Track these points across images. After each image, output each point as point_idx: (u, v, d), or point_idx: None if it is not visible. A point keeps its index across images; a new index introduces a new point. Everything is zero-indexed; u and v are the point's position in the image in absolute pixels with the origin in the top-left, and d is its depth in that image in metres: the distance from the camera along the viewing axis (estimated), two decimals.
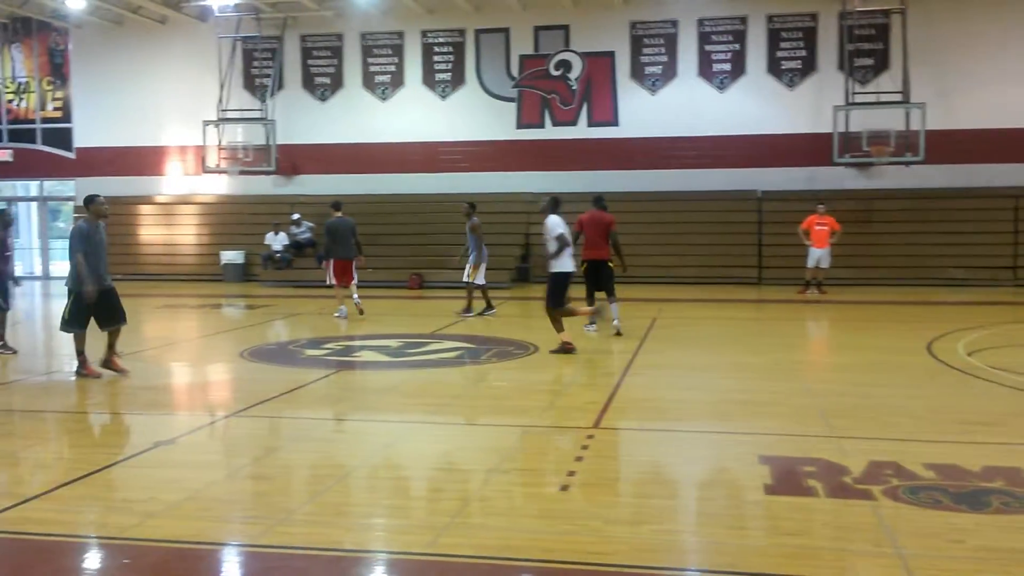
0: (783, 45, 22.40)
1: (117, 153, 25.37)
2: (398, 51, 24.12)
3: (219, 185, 25.06)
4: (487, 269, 15.37)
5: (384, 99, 24.24)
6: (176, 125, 25.02)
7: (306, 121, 24.47)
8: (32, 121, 26.22)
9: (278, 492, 5.57)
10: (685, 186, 22.52)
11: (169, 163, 25.44)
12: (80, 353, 9.44)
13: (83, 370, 9.40)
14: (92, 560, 4.58)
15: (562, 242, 10.72)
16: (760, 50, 22.46)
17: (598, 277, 12.68)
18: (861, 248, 20.80)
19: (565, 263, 10.84)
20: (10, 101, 26.33)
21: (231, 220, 24.72)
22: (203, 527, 4.86)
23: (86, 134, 25.81)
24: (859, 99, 21.43)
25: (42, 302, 19.98)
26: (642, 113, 23.00)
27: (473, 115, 23.79)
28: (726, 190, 22.32)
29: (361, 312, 14.64)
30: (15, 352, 11.29)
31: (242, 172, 24.10)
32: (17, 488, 5.65)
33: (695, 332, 13.83)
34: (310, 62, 24.56)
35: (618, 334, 12.32)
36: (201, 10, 23.94)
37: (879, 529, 4.73)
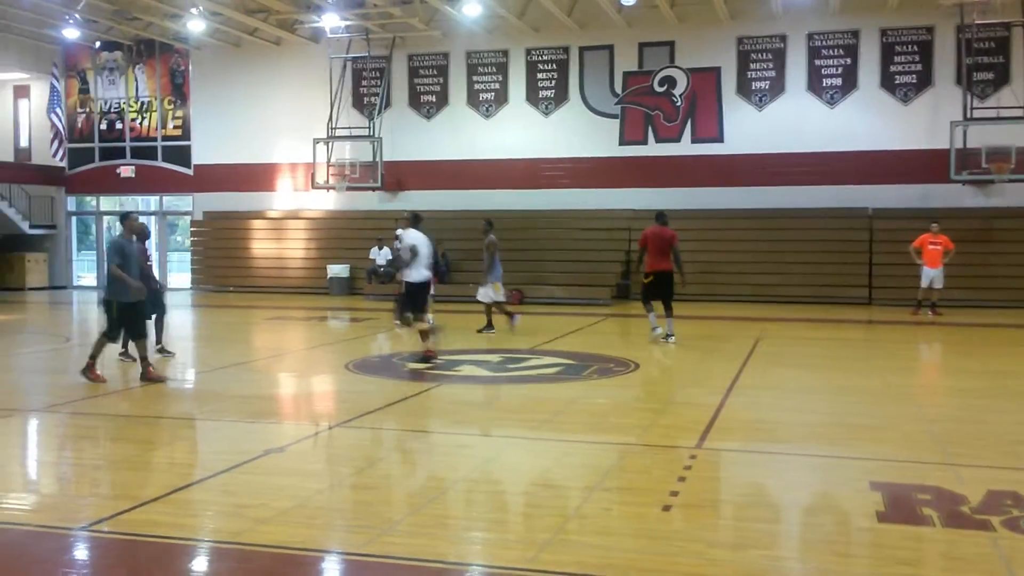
0: (897, 59, 21.74)
1: (231, 170, 26.35)
2: (502, 69, 24.38)
3: (327, 201, 25.74)
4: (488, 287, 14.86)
5: (488, 116, 24.52)
6: (287, 142, 25.84)
7: (412, 138, 24.94)
8: (153, 139, 27.49)
9: (381, 502, 5.67)
10: (792, 203, 22.05)
11: (280, 179, 26.27)
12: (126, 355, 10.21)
13: (89, 373, 9.74)
14: (206, 563, 4.75)
15: (414, 254, 11.49)
16: (873, 64, 21.86)
17: (660, 289, 13.40)
18: (979, 268, 20.00)
19: (416, 274, 11.61)
20: (133, 120, 27.65)
21: (337, 235, 25.36)
22: (311, 534, 4.97)
23: (203, 151, 26.90)
24: (978, 114, 20.62)
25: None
26: (748, 129, 22.64)
27: (576, 132, 23.84)
28: (835, 207, 21.75)
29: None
30: (173, 354, 11.88)
31: (349, 188, 24.71)
32: (136, 491, 5.89)
33: (801, 352, 13.50)
34: (416, 80, 25.04)
35: (667, 337, 13.23)
36: (314, 32, 24.72)
37: (996, 561, 4.52)
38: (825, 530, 5.16)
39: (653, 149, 23.34)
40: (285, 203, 26.27)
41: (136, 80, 27.52)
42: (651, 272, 13.37)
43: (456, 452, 7.09)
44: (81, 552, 4.88)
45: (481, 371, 11.13)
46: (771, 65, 22.54)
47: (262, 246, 26.01)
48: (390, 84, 25.07)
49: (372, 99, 25.02)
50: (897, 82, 21.74)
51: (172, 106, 27.28)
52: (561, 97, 23.96)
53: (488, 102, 24.50)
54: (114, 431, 7.99)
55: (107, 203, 29.10)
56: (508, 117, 24.37)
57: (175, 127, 27.29)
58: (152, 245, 28.74)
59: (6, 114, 29.17)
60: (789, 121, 22.33)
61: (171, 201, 28.36)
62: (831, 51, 22.17)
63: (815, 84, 22.25)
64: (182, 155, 27.21)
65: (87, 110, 28.02)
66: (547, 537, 4.87)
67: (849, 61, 22.03)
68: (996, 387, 9.98)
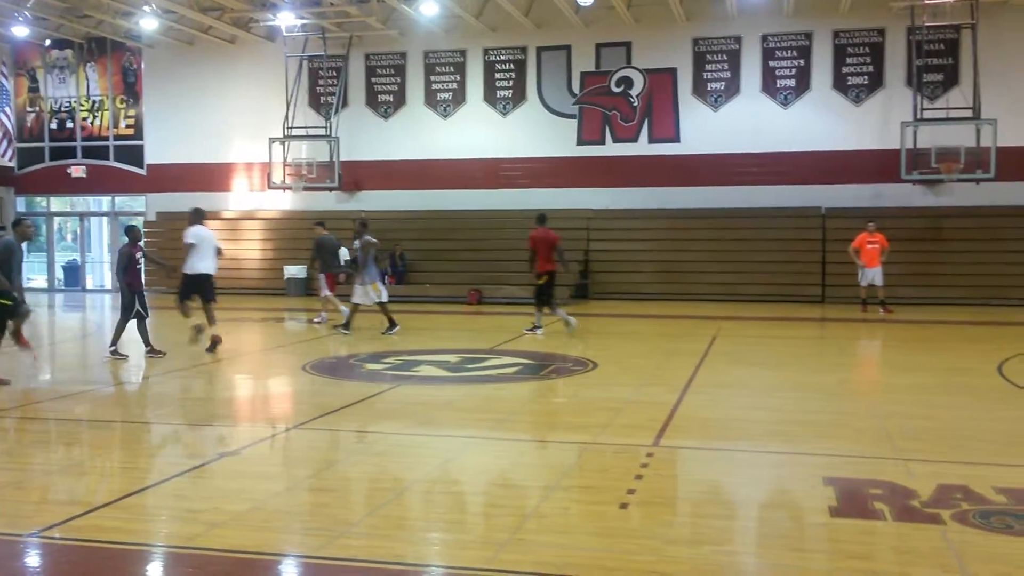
0: (849, 61, 22.07)
1: (186, 169, 26.00)
2: (460, 69, 24.34)
3: (283, 201, 25.51)
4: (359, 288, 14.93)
5: (446, 116, 24.47)
6: (243, 142, 25.57)
7: (369, 138, 24.81)
8: (105, 138, 27.03)
9: (339, 504, 5.63)
10: (748, 202, 22.30)
11: (236, 179, 25.98)
12: None
13: None
14: (158, 569, 4.68)
15: (191, 249, 12.37)
16: (826, 66, 22.16)
17: (551, 288, 14.59)
18: (929, 267, 20.38)
19: (193, 266, 12.43)
20: (84, 119, 27.18)
21: (294, 235, 25.10)
22: (267, 538, 4.93)
23: (157, 151, 26.51)
24: (928, 115, 21.00)
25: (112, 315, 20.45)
26: (704, 129, 22.84)
27: (534, 132, 23.88)
28: (790, 207, 22.03)
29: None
30: (164, 354, 11.93)
31: (306, 188, 24.50)
32: (87, 496, 5.80)
33: (757, 350, 13.65)
34: (374, 80, 24.92)
35: (534, 328, 14.34)
36: (269, 30, 24.49)
37: (947, 554, 4.61)
38: (780, 525, 5.23)
39: (611, 149, 23.46)
40: (241, 203, 25.98)
41: (87, 78, 27.05)
42: (544, 272, 14.40)
43: (414, 453, 7.07)
44: (32, 559, 4.78)
45: (439, 371, 11.11)
46: (726, 66, 22.76)
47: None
48: (347, 83, 24.91)
49: (329, 98, 24.85)
50: (849, 83, 22.06)
51: (124, 105, 26.85)
52: (519, 97, 23.99)
53: (446, 102, 24.45)
54: (65, 436, 7.85)
55: (58, 203, 28.60)
56: (466, 117, 24.34)
57: (127, 126, 26.86)
58: (104, 247, 28.35)
59: None
60: (744, 122, 22.56)
61: (124, 201, 27.91)
62: (785, 52, 22.44)
63: (769, 85, 22.51)
64: (135, 155, 26.79)
65: (37, 109, 27.48)
66: (505, 537, 4.87)
67: (802, 62, 22.32)
68: (946, 383, 10.18)
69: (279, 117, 24.66)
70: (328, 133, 24.59)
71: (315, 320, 16.93)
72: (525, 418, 8.44)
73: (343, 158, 24.47)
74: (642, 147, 23.27)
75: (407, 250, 23.25)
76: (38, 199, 28.48)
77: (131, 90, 26.76)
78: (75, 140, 27.25)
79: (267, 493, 5.74)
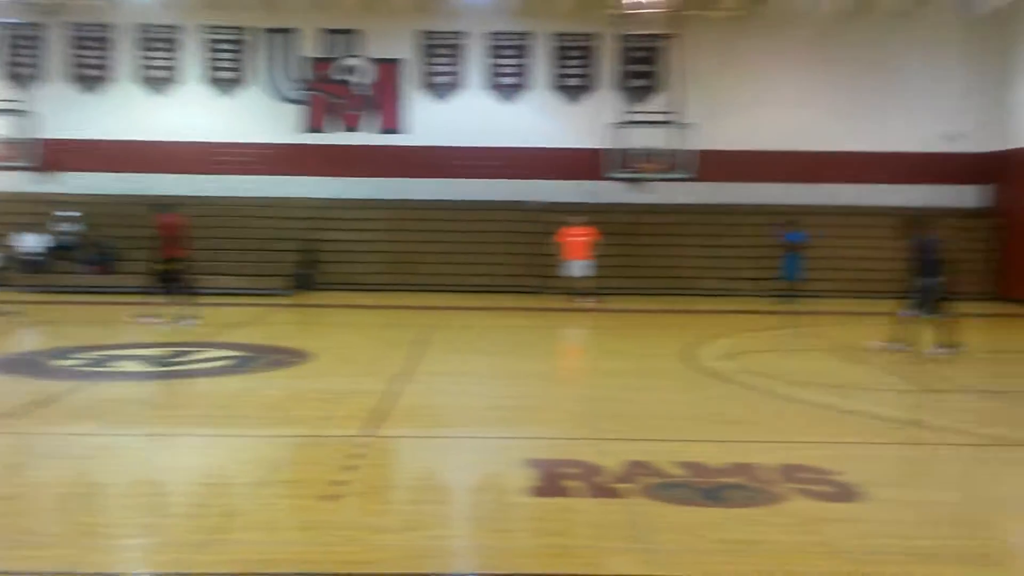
0: (566, 63, 23.22)
1: None
2: (176, 46, 23.01)
3: None
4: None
5: (160, 95, 23.05)
6: None
7: (72, 115, 22.81)
8: None
9: (22, 513, 5.16)
10: (473, 195, 22.87)
11: None
12: None
13: None
14: None
15: None
16: (545, 66, 23.17)
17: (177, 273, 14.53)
18: (632, 259, 21.89)
19: None
20: None
21: None
22: None
23: None
24: (634, 118, 22.55)
25: None
26: (430, 122, 23.12)
27: (256, 117, 23.08)
28: (512, 200, 22.85)
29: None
30: None
31: None
32: None
33: (477, 340, 14.03)
34: (78, 53, 22.96)
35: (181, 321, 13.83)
36: None
37: (633, 526, 4.97)
38: (486, 508, 5.43)
39: (338, 138, 23.18)
40: None
41: None
42: (169, 258, 14.40)
43: (109, 454, 6.59)
44: None
45: (143, 366, 10.45)
46: (453, 60, 23.19)
47: None
48: (47, 55, 22.78)
49: (27, 70, 22.61)
50: (566, 84, 23.23)
51: None
52: (241, 79, 23.07)
53: (160, 80, 23.03)
54: None
55: None
56: (182, 97, 23.06)
57: None
58: None
59: None
60: (470, 116, 23.10)
61: None
62: (508, 51, 23.21)
63: (493, 82, 23.19)
64: None
65: None
66: (203, 538, 4.67)
67: (524, 62, 23.20)
68: (642, 367, 10.98)
69: None
70: (25, 108, 22.36)
71: None
72: (237, 412, 8.13)
73: (42, 136, 22.35)
74: (368, 137, 23.19)
75: (112, 237, 21.61)
76: None
77: None
78: None
79: None
